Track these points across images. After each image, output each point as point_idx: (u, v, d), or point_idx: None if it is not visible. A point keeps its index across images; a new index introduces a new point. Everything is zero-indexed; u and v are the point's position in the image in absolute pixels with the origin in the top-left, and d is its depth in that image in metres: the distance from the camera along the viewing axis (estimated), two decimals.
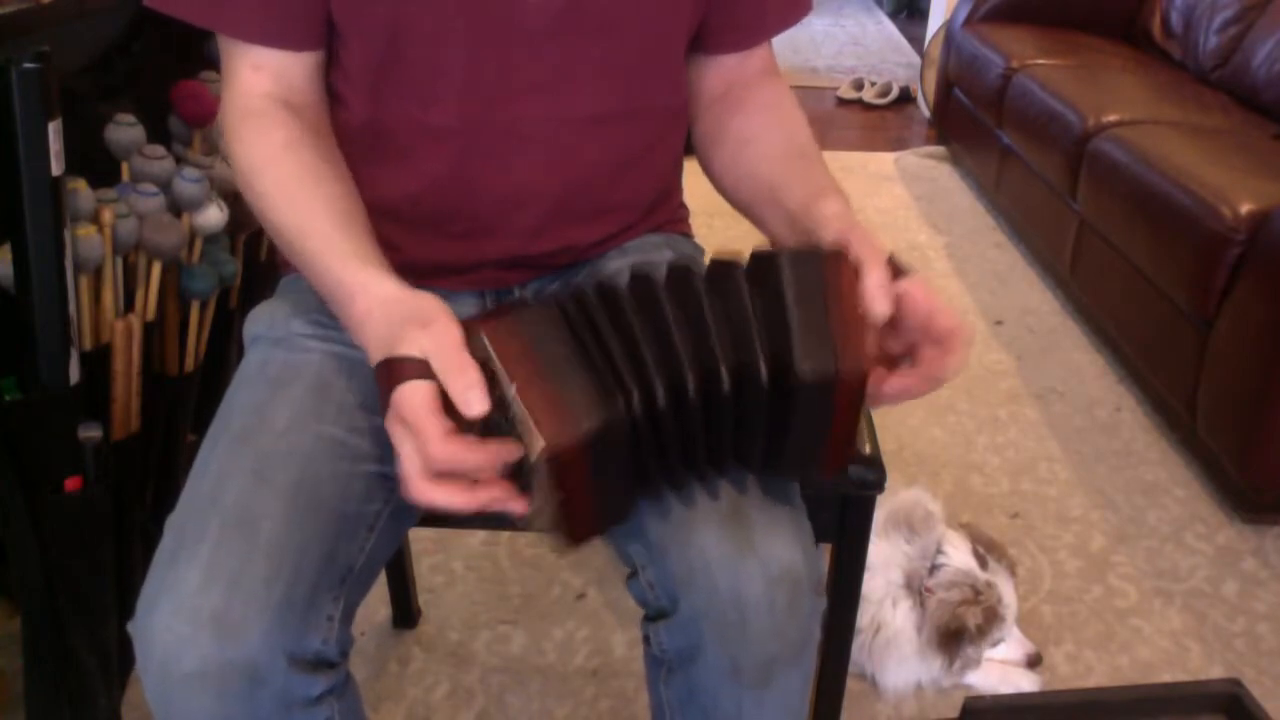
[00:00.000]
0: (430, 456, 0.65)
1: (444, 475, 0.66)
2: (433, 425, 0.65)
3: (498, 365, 0.65)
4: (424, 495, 0.66)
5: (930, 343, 0.74)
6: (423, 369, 0.66)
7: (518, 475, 0.68)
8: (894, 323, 0.74)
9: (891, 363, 0.76)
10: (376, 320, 0.72)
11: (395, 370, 0.67)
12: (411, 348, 0.67)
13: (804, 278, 0.69)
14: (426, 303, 0.71)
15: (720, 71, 0.96)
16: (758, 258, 0.72)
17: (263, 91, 0.83)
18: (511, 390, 0.64)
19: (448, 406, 0.66)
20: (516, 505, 0.68)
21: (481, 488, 0.67)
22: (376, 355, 0.70)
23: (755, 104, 0.95)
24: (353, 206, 0.81)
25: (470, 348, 0.67)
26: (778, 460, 0.73)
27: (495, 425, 0.67)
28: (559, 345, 0.67)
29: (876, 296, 0.72)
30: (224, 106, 0.85)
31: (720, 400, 0.69)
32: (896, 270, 0.75)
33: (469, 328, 0.68)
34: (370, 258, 0.76)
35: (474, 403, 0.65)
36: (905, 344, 0.75)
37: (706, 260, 0.75)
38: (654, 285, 0.71)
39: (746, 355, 0.69)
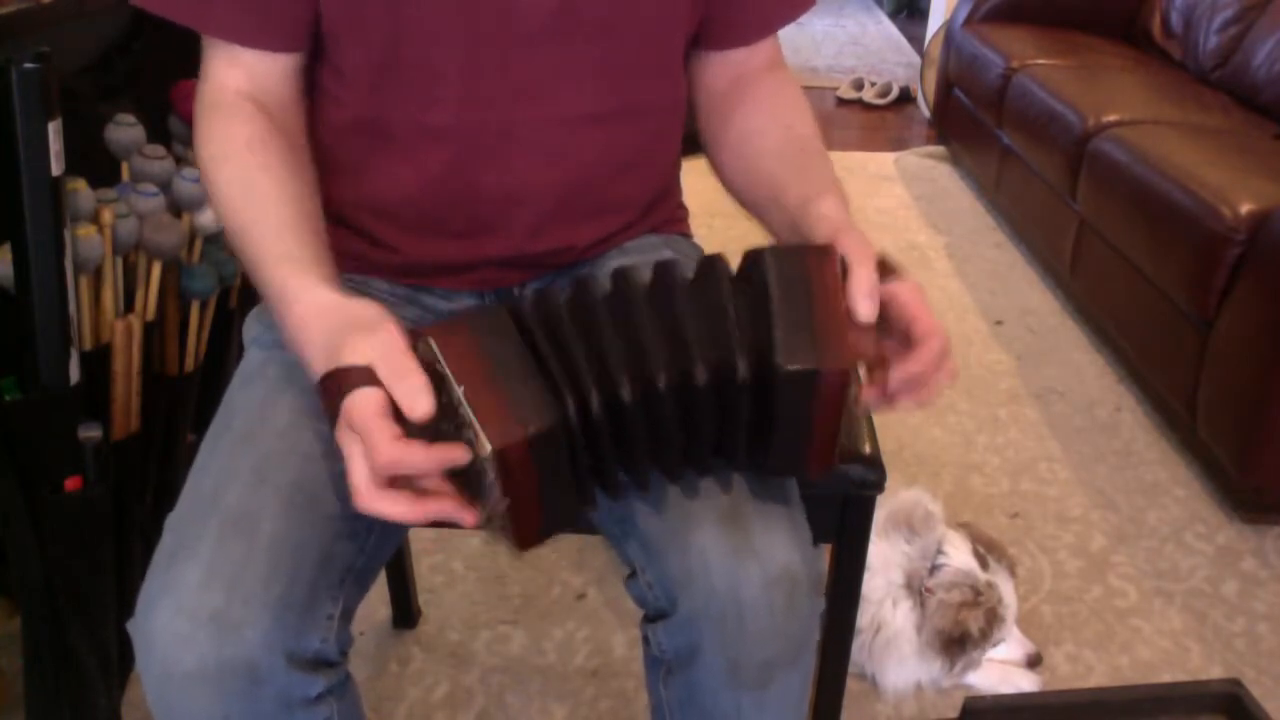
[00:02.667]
0: (379, 459, 0.64)
1: (392, 484, 0.66)
2: (380, 428, 0.64)
3: (445, 368, 0.65)
4: (371, 505, 0.66)
5: (909, 347, 0.73)
6: (369, 376, 0.66)
7: (467, 483, 0.68)
8: (884, 325, 0.74)
9: (884, 364, 0.75)
10: (314, 330, 0.71)
11: (342, 379, 0.67)
12: (354, 355, 0.67)
13: (788, 273, 0.69)
14: (366, 309, 0.71)
15: (725, 67, 0.96)
16: (747, 255, 0.72)
17: (235, 87, 0.84)
18: (459, 392, 0.64)
19: (396, 413, 0.66)
20: (465, 515, 0.68)
21: (429, 499, 0.67)
22: (318, 365, 0.70)
23: (758, 97, 0.95)
24: (302, 210, 0.80)
25: (417, 352, 0.67)
26: (763, 457, 0.73)
27: (443, 434, 0.66)
28: (509, 348, 0.67)
29: (861, 296, 0.71)
30: (197, 98, 0.85)
31: (695, 396, 0.69)
32: (888, 271, 0.74)
33: (415, 333, 0.68)
34: (309, 264, 0.75)
35: (419, 405, 0.65)
36: (893, 347, 0.74)
37: None
38: (629, 283, 0.71)
39: (723, 351, 0.69)
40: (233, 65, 0.84)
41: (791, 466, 0.74)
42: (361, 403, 0.65)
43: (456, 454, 0.65)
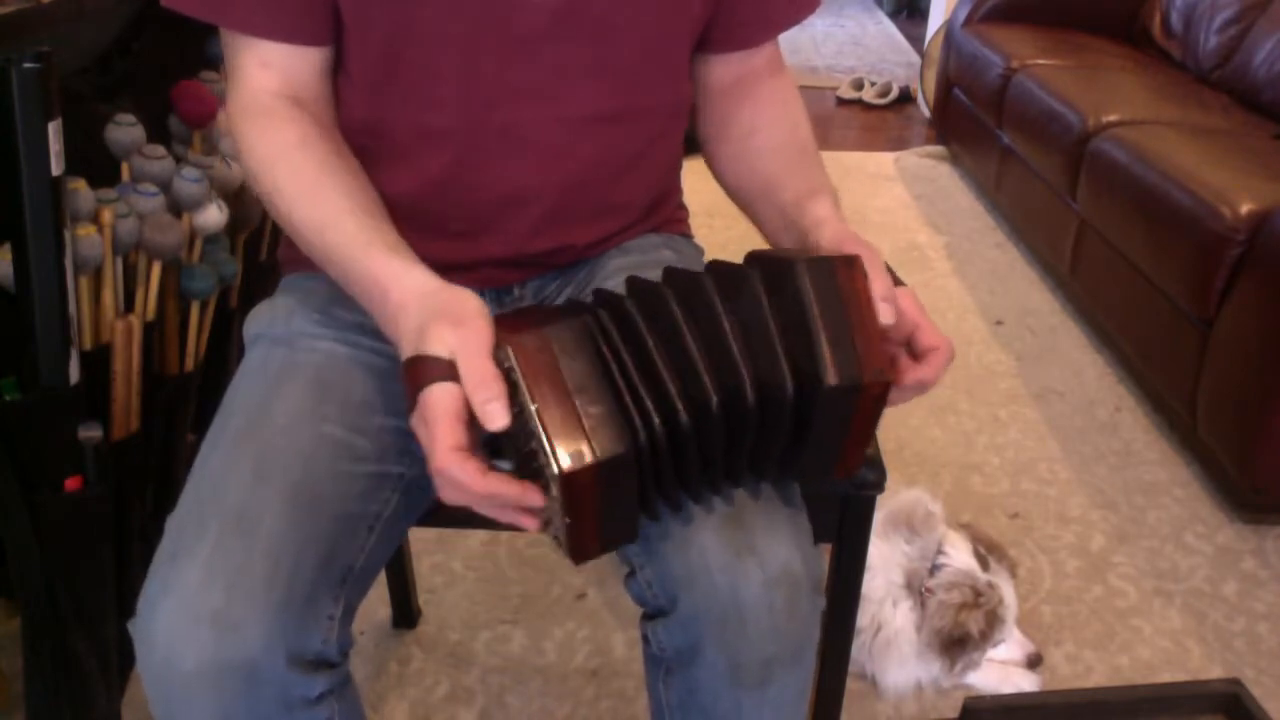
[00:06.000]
0: (435, 462, 0.65)
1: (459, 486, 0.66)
2: (444, 432, 0.65)
3: (520, 380, 0.65)
4: (446, 496, 0.67)
5: (910, 356, 0.76)
6: (449, 369, 0.66)
7: (534, 477, 0.68)
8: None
9: (894, 367, 0.77)
10: (411, 312, 0.71)
11: (422, 370, 0.67)
12: (439, 346, 0.67)
13: (823, 286, 0.70)
14: (461, 299, 0.70)
15: (727, 68, 0.96)
16: (769, 264, 0.72)
17: (271, 89, 0.83)
18: (532, 408, 0.64)
19: (469, 411, 0.66)
20: (530, 523, 0.69)
21: (496, 503, 0.68)
22: (407, 349, 0.70)
23: (762, 97, 0.95)
24: (372, 198, 0.81)
25: (496, 355, 0.67)
26: (793, 468, 0.74)
27: (514, 437, 0.67)
28: (584, 365, 0.67)
29: (879, 304, 0.72)
30: (230, 104, 0.84)
31: (745, 416, 0.69)
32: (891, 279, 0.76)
33: (499, 335, 0.67)
34: (398, 247, 0.76)
35: (494, 417, 0.65)
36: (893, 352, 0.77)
37: (705, 260, 0.75)
38: (704, 293, 0.70)
39: (772, 369, 0.69)
40: (264, 67, 0.83)
41: (821, 471, 0.75)
42: (436, 400, 0.66)
43: (510, 491, 0.66)
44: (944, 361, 0.75)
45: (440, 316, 0.68)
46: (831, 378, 0.67)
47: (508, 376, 0.66)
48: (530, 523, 0.69)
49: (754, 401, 0.69)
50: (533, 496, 0.67)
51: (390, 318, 0.73)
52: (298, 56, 0.84)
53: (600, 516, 0.67)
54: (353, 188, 0.80)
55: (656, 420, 0.67)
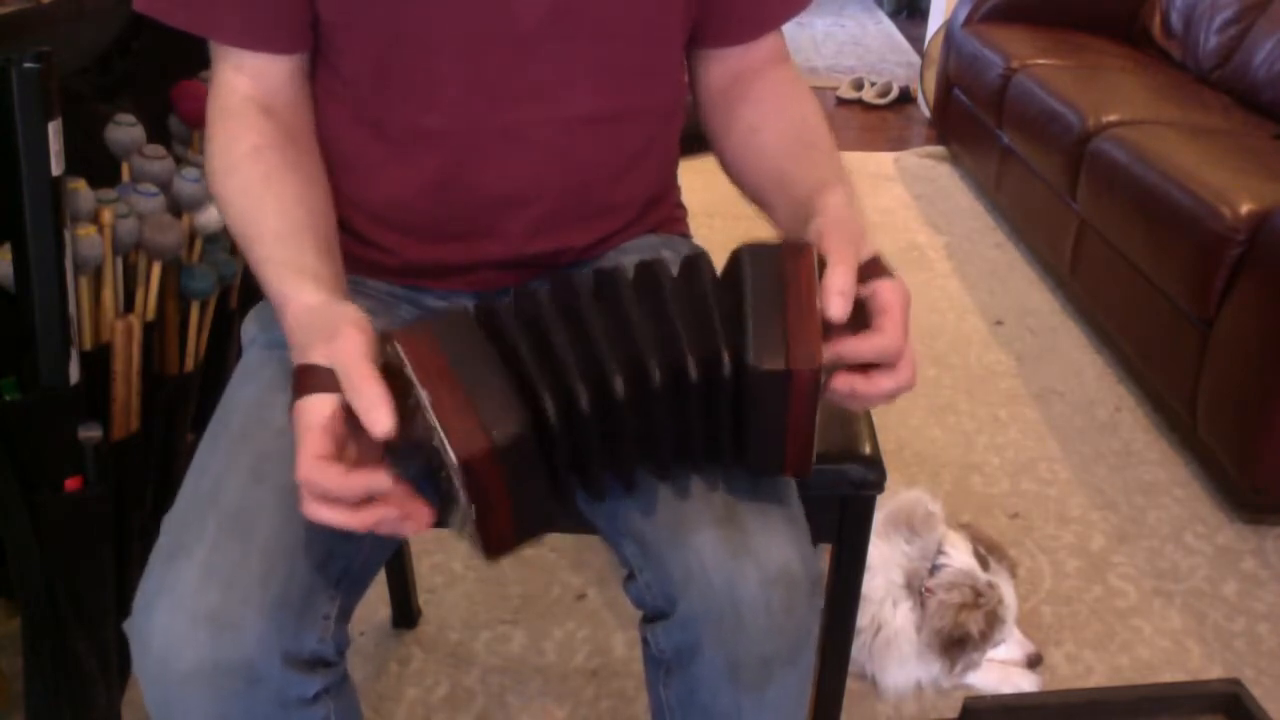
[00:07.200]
0: (297, 474, 0.64)
1: (326, 496, 0.65)
2: (308, 444, 0.65)
3: (411, 374, 0.64)
4: (308, 513, 0.65)
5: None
6: (332, 380, 0.66)
7: (438, 487, 0.67)
8: (864, 323, 0.72)
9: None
10: (298, 329, 0.72)
11: (304, 380, 0.68)
12: (319, 358, 0.68)
13: (762, 272, 0.70)
14: (337, 311, 0.71)
15: (725, 64, 0.96)
16: (731, 254, 0.72)
17: (241, 92, 0.84)
18: (425, 399, 0.63)
19: (357, 421, 0.65)
20: (410, 524, 0.67)
21: (367, 509, 0.65)
22: (295, 363, 0.71)
23: (763, 92, 0.94)
24: (304, 216, 0.80)
25: (384, 357, 0.66)
26: (745, 457, 0.73)
27: (418, 437, 0.66)
28: (475, 352, 0.66)
29: (833, 294, 0.70)
30: (208, 103, 0.85)
31: (679, 394, 0.69)
32: (880, 270, 0.74)
33: (384, 336, 0.67)
34: (306, 268, 0.76)
35: (378, 422, 0.63)
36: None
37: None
38: (613, 282, 0.71)
39: (708, 349, 0.69)
40: (238, 71, 0.84)
41: (770, 464, 0.74)
42: (307, 410, 0.66)
43: (376, 482, 0.64)
44: (881, 347, 0.70)
45: (318, 331, 0.69)
46: (756, 363, 0.67)
47: (401, 375, 0.65)
48: (413, 524, 0.67)
49: (695, 379, 0.68)
50: (391, 487, 0.65)
51: (287, 335, 0.74)
52: (270, 63, 0.84)
53: (510, 503, 0.66)
54: (289, 204, 0.80)
55: (556, 400, 0.66)
